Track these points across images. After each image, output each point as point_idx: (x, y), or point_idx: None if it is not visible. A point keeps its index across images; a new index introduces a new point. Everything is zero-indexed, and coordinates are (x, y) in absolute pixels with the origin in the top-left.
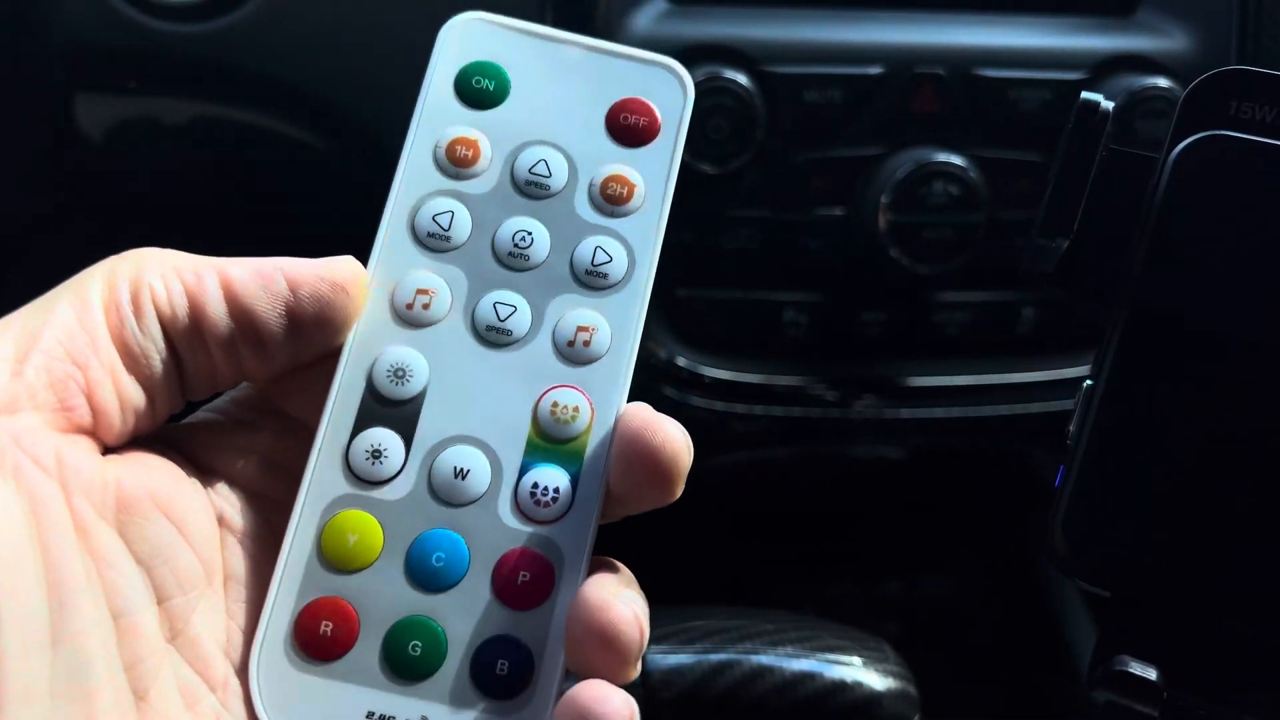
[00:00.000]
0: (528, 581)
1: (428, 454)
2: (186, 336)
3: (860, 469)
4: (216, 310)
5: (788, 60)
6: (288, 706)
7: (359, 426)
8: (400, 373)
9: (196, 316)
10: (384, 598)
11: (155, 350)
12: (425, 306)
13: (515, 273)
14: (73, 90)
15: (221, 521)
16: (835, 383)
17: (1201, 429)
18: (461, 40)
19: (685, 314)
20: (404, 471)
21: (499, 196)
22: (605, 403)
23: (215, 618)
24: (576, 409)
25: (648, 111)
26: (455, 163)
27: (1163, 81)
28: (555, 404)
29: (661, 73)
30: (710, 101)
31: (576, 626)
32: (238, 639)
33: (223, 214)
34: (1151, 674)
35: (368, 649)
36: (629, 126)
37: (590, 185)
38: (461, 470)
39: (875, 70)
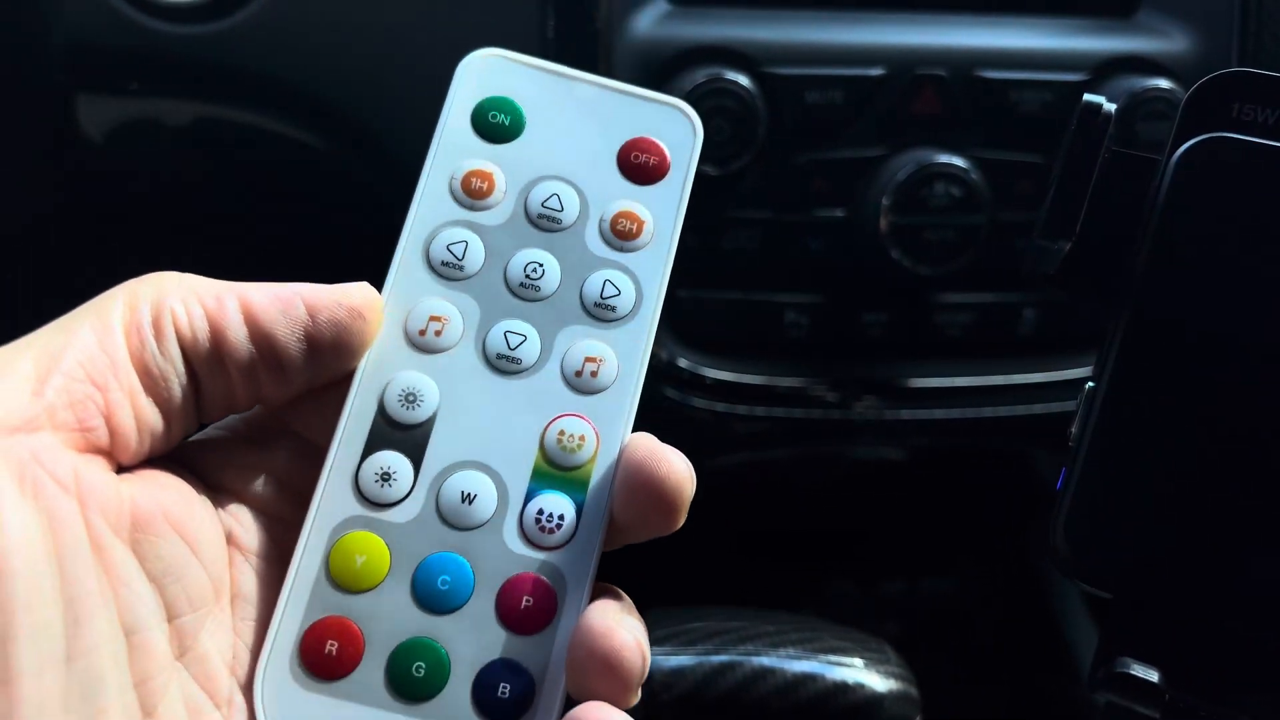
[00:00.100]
0: (531, 606)
1: (436, 478)
2: (207, 360)
3: (861, 470)
4: (237, 334)
5: (789, 61)
6: None
7: (369, 449)
8: (411, 397)
9: (217, 340)
10: (389, 619)
11: (175, 373)
12: (437, 333)
13: (526, 303)
14: (74, 91)
15: (230, 540)
16: (836, 384)
17: (1203, 431)
18: (479, 75)
19: (687, 315)
20: (412, 494)
21: (512, 228)
22: (611, 432)
23: (222, 635)
24: (583, 437)
25: (658, 151)
26: (470, 194)
27: (1164, 83)
28: (562, 432)
29: (672, 113)
30: (711, 103)
31: (579, 652)
32: (244, 656)
33: (223, 215)
34: (1153, 676)
35: (372, 669)
36: (640, 165)
37: (601, 220)
38: (469, 495)
39: (876, 71)
